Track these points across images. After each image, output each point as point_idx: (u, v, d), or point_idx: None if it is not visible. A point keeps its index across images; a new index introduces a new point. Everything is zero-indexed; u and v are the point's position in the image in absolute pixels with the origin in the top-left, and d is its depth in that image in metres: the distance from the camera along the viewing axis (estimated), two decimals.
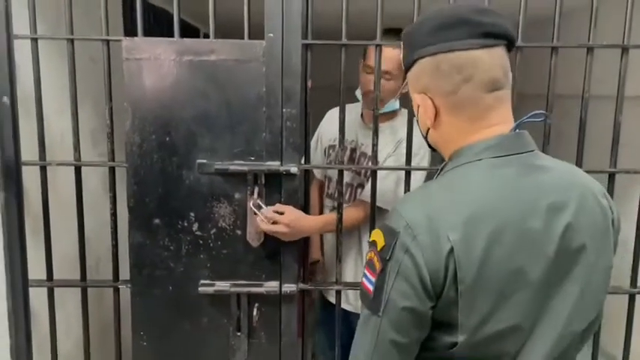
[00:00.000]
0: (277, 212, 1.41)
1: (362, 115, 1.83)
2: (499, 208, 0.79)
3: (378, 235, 0.84)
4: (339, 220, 1.52)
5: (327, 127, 1.87)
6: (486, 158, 0.83)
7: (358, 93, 1.76)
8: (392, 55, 1.61)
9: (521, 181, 0.81)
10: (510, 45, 0.85)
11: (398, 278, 0.79)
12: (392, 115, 1.77)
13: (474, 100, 0.84)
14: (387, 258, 0.80)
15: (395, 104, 1.74)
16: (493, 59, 0.83)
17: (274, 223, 1.41)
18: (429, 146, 0.96)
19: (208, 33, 1.49)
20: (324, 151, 1.88)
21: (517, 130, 0.85)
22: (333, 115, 1.86)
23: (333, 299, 1.75)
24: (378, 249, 0.82)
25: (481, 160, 0.83)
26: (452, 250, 0.76)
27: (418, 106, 0.90)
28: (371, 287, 0.83)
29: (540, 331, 0.81)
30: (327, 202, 1.86)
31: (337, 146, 1.81)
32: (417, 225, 0.78)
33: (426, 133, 0.93)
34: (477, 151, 0.84)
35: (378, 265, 0.82)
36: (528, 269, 0.78)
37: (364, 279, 0.86)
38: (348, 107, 1.76)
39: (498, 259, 0.77)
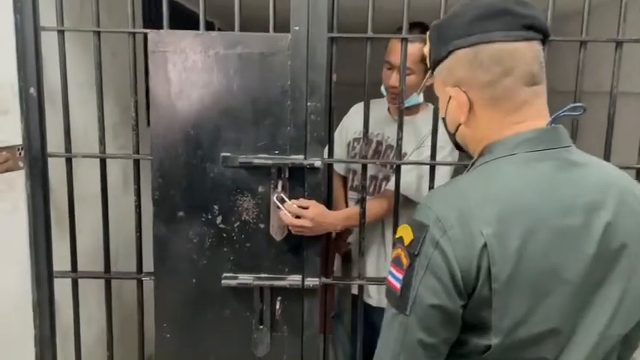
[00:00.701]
0: (301, 207, 1.41)
1: (389, 109, 1.83)
2: (535, 203, 0.76)
3: (405, 231, 0.81)
4: (362, 214, 1.52)
5: (353, 120, 1.86)
6: (521, 153, 0.80)
7: (383, 88, 1.76)
8: (411, 50, 1.60)
9: (557, 177, 0.79)
10: (545, 40, 0.84)
11: (427, 274, 0.76)
12: (416, 109, 1.76)
13: (512, 94, 0.81)
14: (416, 253, 0.77)
15: (418, 98, 1.73)
16: (532, 52, 0.81)
17: (298, 217, 1.40)
18: (455, 145, 0.94)
19: (223, 27, 1.49)
20: (349, 144, 1.88)
21: (553, 125, 0.83)
22: (359, 108, 1.86)
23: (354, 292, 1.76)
24: (406, 244, 0.79)
25: (515, 154, 0.80)
26: (485, 245, 0.73)
27: (448, 101, 0.88)
28: (398, 284, 0.80)
29: (579, 336, 0.77)
30: (352, 195, 1.86)
31: (362, 139, 1.82)
32: (448, 218, 0.76)
33: (455, 130, 0.90)
34: (510, 146, 0.81)
35: (405, 261, 0.79)
36: (566, 268, 0.75)
37: (390, 276, 0.82)
38: (375, 102, 1.76)
39: (534, 256, 0.74)
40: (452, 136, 0.93)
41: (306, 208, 1.41)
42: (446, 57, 0.85)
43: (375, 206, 1.65)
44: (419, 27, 1.60)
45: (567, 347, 0.77)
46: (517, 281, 0.74)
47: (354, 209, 1.59)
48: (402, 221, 1.60)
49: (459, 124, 0.88)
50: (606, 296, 0.77)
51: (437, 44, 0.87)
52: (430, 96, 1.75)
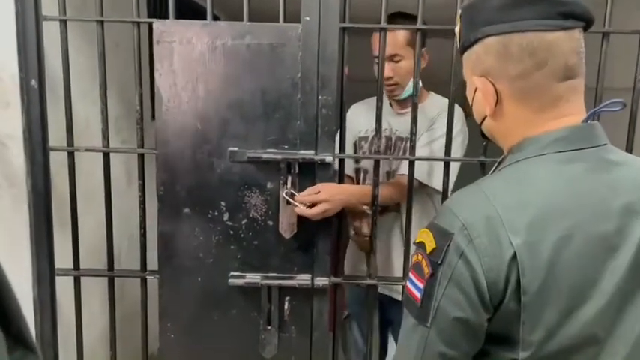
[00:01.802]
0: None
1: (390, 104, 1.78)
2: (568, 209, 0.71)
3: (427, 236, 0.76)
4: (374, 212, 1.47)
5: (355, 120, 1.80)
6: (552, 153, 0.75)
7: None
8: (390, 38, 1.55)
9: (592, 179, 0.73)
10: (587, 27, 0.77)
11: (450, 285, 0.71)
12: (418, 96, 1.71)
13: (545, 89, 0.75)
14: (438, 262, 0.72)
15: (411, 87, 1.69)
16: (570, 43, 0.75)
17: (312, 206, 1.36)
18: (482, 136, 0.89)
19: (227, 20, 1.44)
20: (355, 145, 1.82)
21: (589, 122, 0.77)
22: (357, 108, 1.81)
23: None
24: (428, 251, 0.74)
25: (546, 154, 0.75)
26: (515, 255, 0.68)
27: (475, 92, 0.82)
28: (418, 294, 0.75)
29: (612, 346, 0.72)
30: None
31: (370, 137, 1.77)
32: (475, 226, 0.70)
33: (481, 122, 0.85)
34: (542, 145, 0.75)
35: (427, 270, 0.74)
36: (600, 278, 0.70)
37: (409, 284, 0.78)
38: (372, 99, 1.71)
39: (567, 266, 0.69)
40: (479, 126, 0.87)
41: (317, 193, 1.38)
42: (475, 43, 0.79)
43: (389, 189, 1.60)
44: (402, 17, 1.59)
45: (600, 357, 0.72)
46: (548, 293, 0.69)
47: (369, 187, 1.54)
48: (418, 219, 1.58)
49: (485, 117, 0.83)
50: None
51: (467, 28, 0.81)
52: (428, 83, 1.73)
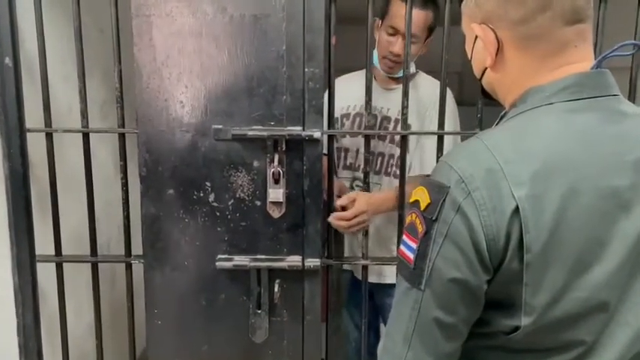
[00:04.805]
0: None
1: (375, 78, 1.70)
2: (576, 160, 0.65)
3: (421, 193, 0.70)
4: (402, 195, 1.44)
5: (338, 96, 1.72)
6: (560, 102, 0.68)
7: (374, 55, 1.64)
8: (418, 17, 1.51)
9: (603, 130, 0.67)
10: None
11: (446, 243, 0.65)
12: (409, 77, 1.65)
13: (550, 34, 0.69)
14: (433, 218, 0.66)
15: (412, 67, 1.66)
16: None
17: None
18: (483, 93, 0.83)
19: None
20: (336, 122, 1.74)
21: (599, 69, 0.70)
22: (339, 85, 1.70)
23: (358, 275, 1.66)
24: (422, 208, 0.68)
25: (553, 104, 0.69)
26: (517, 209, 0.62)
27: (474, 41, 0.76)
28: (411, 255, 0.69)
29: (624, 315, 0.67)
30: (345, 174, 1.74)
31: (352, 114, 1.70)
32: (473, 178, 0.64)
33: (482, 74, 0.79)
34: (548, 94, 0.69)
35: (420, 228, 0.68)
36: (611, 238, 0.64)
37: (403, 246, 0.72)
38: (358, 74, 1.65)
39: (575, 222, 0.63)
40: (479, 81, 0.81)
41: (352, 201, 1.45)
42: None
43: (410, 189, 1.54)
44: None
45: (609, 327, 0.66)
46: (554, 252, 0.63)
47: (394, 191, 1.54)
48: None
49: (486, 68, 0.76)
50: None
51: None
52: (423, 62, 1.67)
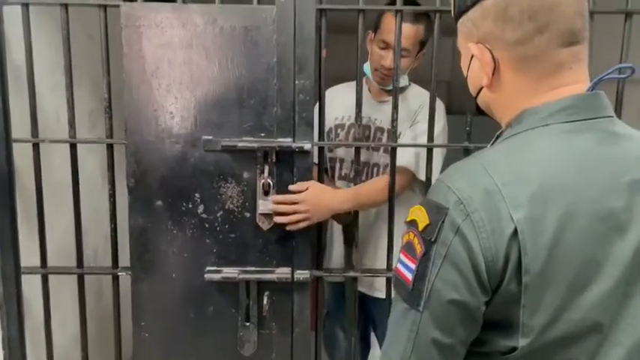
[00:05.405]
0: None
1: (369, 89, 1.71)
2: (573, 182, 0.65)
3: (419, 213, 0.69)
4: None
5: (329, 106, 1.72)
6: (555, 123, 0.69)
7: (366, 67, 1.65)
8: (409, 31, 1.51)
9: (598, 152, 0.67)
10: None
11: (445, 264, 0.65)
12: (401, 89, 1.65)
13: (546, 55, 0.69)
14: (432, 240, 0.66)
15: (405, 80, 1.65)
16: (574, 6, 0.69)
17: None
18: (478, 110, 0.83)
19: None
20: (329, 132, 1.74)
21: (594, 90, 0.70)
22: (333, 93, 1.70)
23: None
24: (420, 229, 0.68)
25: (550, 125, 0.69)
26: (515, 231, 0.62)
27: (470, 60, 0.76)
28: (410, 275, 0.68)
29: (618, 335, 0.67)
30: (341, 184, 1.74)
31: (346, 125, 1.70)
32: (472, 200, 0.64)
33: (477, 93, 0.79)
34: (544, 115, 0.69)
35: (419, 249, 0.68)
36: (606, 259, 0.64)
37: (400, 265, 0.71)
38: (349, 84, 1.65)
39: (572, 244, 0.63)
40: (474, 99, 0.81)
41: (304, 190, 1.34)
42: (471, 7, 0.73)
43: (383, 183, 1.50)
44: (410, 4, 1.49)
45: (604, 347, 0.66)
46: (551, 274, 0.63)
47: (364, 186, 1.48)
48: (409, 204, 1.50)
49: (482, 87, 0.76)
50: None
51: None
52: (417, 77, 1.68)
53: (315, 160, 1.48)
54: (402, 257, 0.71)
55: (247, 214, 1.36)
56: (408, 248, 0.70)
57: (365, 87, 1.68)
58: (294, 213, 1.33)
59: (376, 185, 1.49)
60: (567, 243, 0.63)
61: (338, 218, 1.65)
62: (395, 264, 0.75)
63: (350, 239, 1.63)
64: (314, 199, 1.34)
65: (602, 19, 1.32)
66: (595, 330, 0.66)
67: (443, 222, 0.65)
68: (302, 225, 1.34)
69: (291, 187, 1.34)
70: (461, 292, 0.65)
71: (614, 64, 0.75)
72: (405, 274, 0.70)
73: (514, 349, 0.65)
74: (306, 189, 1.34)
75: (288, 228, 1.35)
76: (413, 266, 0.68)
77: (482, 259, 0.63)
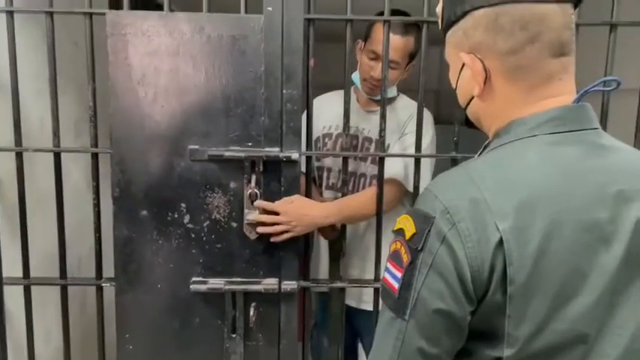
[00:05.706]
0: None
1: (357, 99, 1.71)
2: (559, 193, 0.65)
3: (406, 222, 0.70)
4: (345, 212, 1.40)
5: (317, 115, 1.71)
6: (542, 134, 0.69)
7: (355, 76, 1.65)
8: (398, 43, 1.52)
9: (585, 163, 0.68)
10: (578, 3, 0.72)
11: (431, 273, 0.65)
12: (390, 100, 1.66)
13: (537, 65, 0.70)
14: (418, 248, 0.66)
15: (393, 91, 1.66)
16: (563, 17, 0.69)
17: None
18: (466, 122, 0.83)
19: None
20: (317, 141, 1.73)
21: (580, 102, 0.71)
22: (321, 102, 1.69)
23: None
24: (407, 238, 0.68)
25: (536, 136, 0.69)
26: (501, 241, 0.62)
27: (460, 70, 0.76)
28: (396, 284, 0.69)
29: (603, 346, 0.66)
30: (328, 194, 1.73)
31: (334, 134, 1.70)
32: (458, 210, 0.64)
33: (467, 104, 0.79)
34: (531, 126, 0.70)
35: (405, 258, 0.68)
36: (591, 271, 0.65)
37: (387, 274, 0.71)
38: (339, 93, 1.65)
39: (557, 255, 0.64)
40: (464, 110, 0.82)
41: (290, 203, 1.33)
42: (462, 17, 0.73)
43: (370, 196, 1.48)
44: (400, 15, 1.50)
45: (589, 358, 0.66)
46: (536, 284, 0.63)
47: (351, 199, 1.47)
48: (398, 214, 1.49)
49: (472, 97, 0.76)
50: (634, 302, 0.66)
51: (452, 2, 0.75)
52: (406, 88, 1.68)
53: (303, 169, 1.47)
54: (389, 266, 0.72)
55: (234, 224, 1.35)
56: (395, 257, 0.70)
57: (353, 96, 1.67)
58: (276, 224, 1.32)
59: (362, 198, 1.47)
60: (553, 253, 0.63)
61: (324, 233, 1.64)
62: (382, 274, 0.75)
63: (336, 255, 1.62)
64: (296, 211, 1.32)
65: (587, 31, 1.33)
66: (581, 341, 0.66)
67: (429, 231, 0.66)
68: (285, 237, 1.33)
69: (275, 205, 1.33)
70: (446, 302, 0.65)
71: (599, 76, 0.76)
72: (391, 282, 0.70)
73: (499, 359, 0.65)
74: (292, 203, 1.33)
75: (272, 239, 1.33)
76: (399, 275, 0.69)
77: (467, 269, 0.64)
